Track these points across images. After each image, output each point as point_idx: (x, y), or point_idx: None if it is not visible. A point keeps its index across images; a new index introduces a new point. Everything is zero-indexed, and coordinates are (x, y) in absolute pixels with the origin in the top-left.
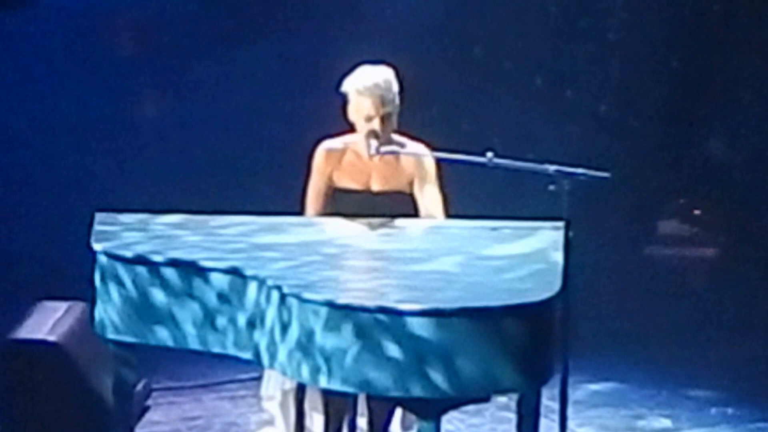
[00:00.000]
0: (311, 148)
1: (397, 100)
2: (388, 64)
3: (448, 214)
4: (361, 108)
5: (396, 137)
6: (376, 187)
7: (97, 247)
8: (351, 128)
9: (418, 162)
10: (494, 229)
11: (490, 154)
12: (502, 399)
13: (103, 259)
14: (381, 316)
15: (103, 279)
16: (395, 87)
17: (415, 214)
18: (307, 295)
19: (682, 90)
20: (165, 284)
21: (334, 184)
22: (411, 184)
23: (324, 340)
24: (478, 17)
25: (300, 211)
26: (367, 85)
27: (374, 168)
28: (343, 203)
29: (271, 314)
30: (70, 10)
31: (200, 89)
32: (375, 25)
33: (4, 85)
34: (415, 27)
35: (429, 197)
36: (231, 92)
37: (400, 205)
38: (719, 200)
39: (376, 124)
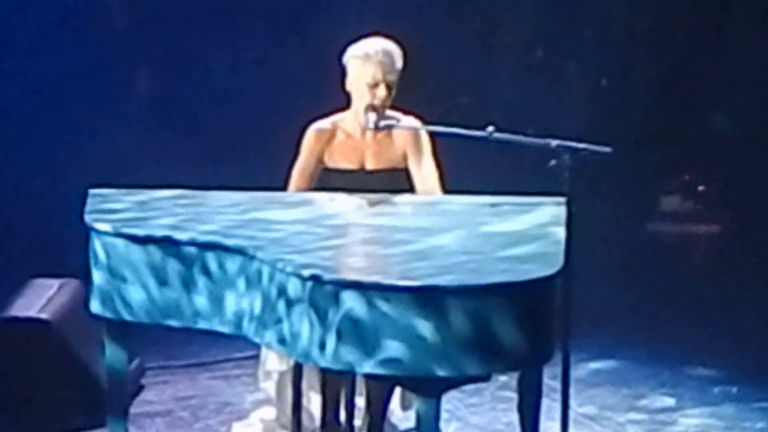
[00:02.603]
0: (300, 130)
1: (399, 77)
2: (395, 40)
3: (445, 189)
4: (364, 74)
5: (390, 112)
6: (370, 165)
7: (91, 223)
8: (339, 108)
9: (412, 135)
10: (495, 204)
11: (490, 129)
12: (502, 378)
13: (96, 235)
14: (379, 294)
15: (96, 256)
16: (401, 61)
17: (410, 189)
18: (304, 273)
19: (686, 63)
20: (160, 261)
21: (325, 165)
22: (405, 158)
23: (322, 317)
24: None
25: (283, 189)
26: (377, 50)
27: (367, 146)
28: (337, 183)
29: (267, 291)
30: None
31: (194, 63)
32: None
33: None
34: None
35: (425, 171)
36: (225, 70)
37: (395, 182)
38: (722, 176)
39: (381, 91)
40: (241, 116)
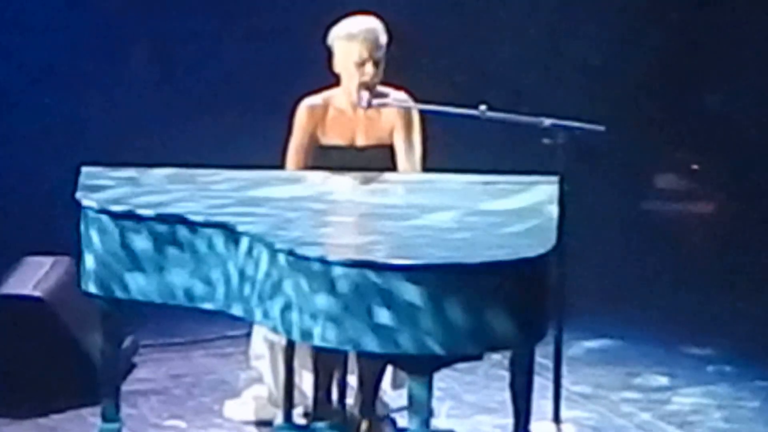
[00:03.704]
0: (292, 106)
1: (384, 51)
2: (376, 15)
3: (425, 168)
4: (351, 54)
5: (379, 87)
6: (360, 141)
7: (83, 201)
8: (333, 84)
9: (401, 111)
10: (489, 183)
11: (483, 107)
12: (495, 356)
13: (89, 213)
14: (372, 273)
15: (88, 233)
16: (385, 36)
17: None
18: (298, 251)
19: (681, 41)
20: (152, 239)
21: (318, 142)
22: (392, 134)
23: (315, 296)
24: None
25: (279, 168)
26: (360, 29)
27: (358, 122)
28: (329, 160)
29: (261, 270)
30: None
31: (187, 41)
32: None
33: None
34: None
35: (410, 148)
36: (222, 44)
37: (386, 159)
38: (718, 154)
39: (369, 68)
40: (238, 93)
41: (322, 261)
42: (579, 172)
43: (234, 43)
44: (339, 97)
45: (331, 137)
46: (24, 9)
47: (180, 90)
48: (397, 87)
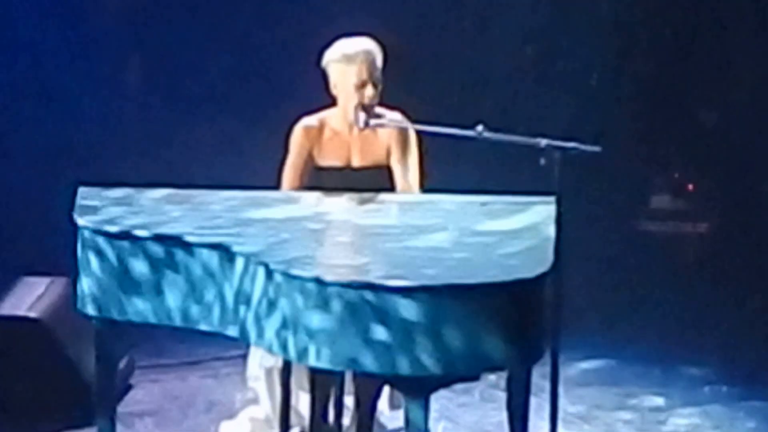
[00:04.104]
0: (288, 127)
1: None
2: (372, 36)
3: (424, 189)
4: (350, 76)
5: (376, 108)
6: (356, 162)
7: (80, 221)
8: (327, 105)
9: (398, 132)
10: (485, 203)
11: (480, 128)
12: (491, 377)
13: (86, 233)
14: (368, 293)
15: (86, 254)
16: (381, 56)
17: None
18: (293, 272)
19: (675, 62)
20: (149, 260)
21: (314, 163)
22: (389, 155)
23: (310, 317)
24: None
25: (275, 188)
26: (357, 50)
27: (353, 143)
28: (325, 181)
29: (257, 291)
30: None
31: (184, 57)
32: None
33: None
34: None
35: (407, 169)
36: (218, 61)
37: (381, 179)
38: (712, 174)
39: (369, 90)
40: (232, 112)
41: (318, 281)
42: (574, 192)
43: (232, 63)
44: (335, 118)
45: (327, 158)
46: (17, 29)
47: (177, 110)
48: (392, 108)
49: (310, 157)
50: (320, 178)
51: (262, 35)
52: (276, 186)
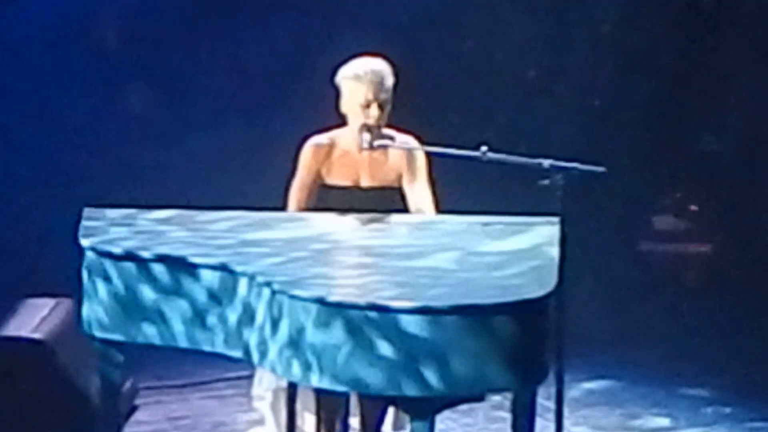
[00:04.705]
0: (298, 145)
1: (391, 94)
2: (385, 58)
3: (439, 210)
4: (357, 95)
5: (385, 130)
6: (365, 182)
7: (84, 243)
8: (338, 124)
9: (408, 155)
10: (488, 224)
11: (483, 149)
12: (496, 398)
13: (90, 255)
14: (372, 314)
15: (90, 276)
16: (392, 79)
17: (404, 209)
18: (297, 292)
19: (676, 83)
20: (153, 281)
21: (323, 181)
22: (399, 178)
23: (315, 337)
24: (471, 9)
25: (282, 207)
26: (366, 70)
27: (363, 163)
28: (332, 200)
29: (261, 311)
30: (54, 2)
31: (187, 82)
32: (365, 16)
33: None
34: (406, 18)
35: (419, 192)
36: (218, 85)
37: (389, 200)
38: (715, 195)
39: (374, 111)
40: (236, 135)
41: (321, 301)
42: (577, 213)
43: (236, 81)
44: (345, 137)
45: (336, 177)
46: (21, 54)
47: (179, 129)
48: (403, 131)
49: (318, 176)
50: (327, 197)
51: (263, 57)
52: (283, 204)
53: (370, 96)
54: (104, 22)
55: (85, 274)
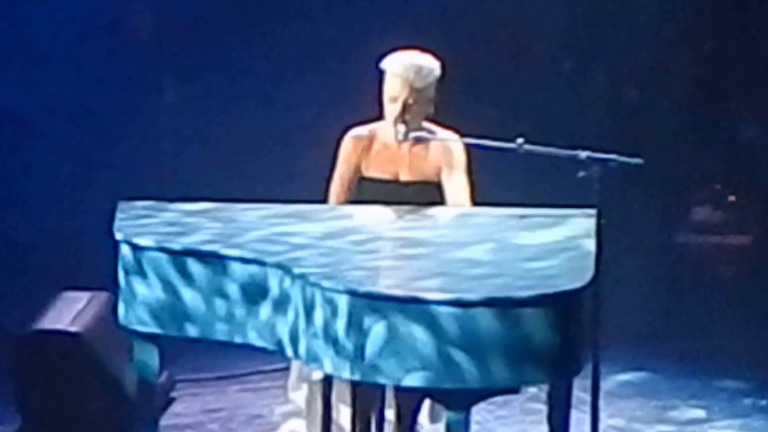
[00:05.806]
0: (338, 137)
1: (431, 93)
2: (438, 57)
3: (475, 203)
4: (388, 87)
5: (426, 124)
6: (404, 177)
7: (119, 236)
8: (377, 117)
9: (446, 149)
10: (524, 217)
11: (520, 140)
12: (531, 390)
13: (125, 248)
14: (408, 306)
15: (126, 269)
16: (431, 78)
17: (442, 204)
18: (332, 284)
19: (714, 73)
20: (188, 274)
21: (361, 174)
22: (439, 173)
23: (350, 330)
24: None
25: (323, 200)
26: (404, 65)
27: (403, 157)
28: (371, 193)
29: (295, 304)
30: None
31: (221, 75)
32: (401, 7)
33: (22, 74)
34: (441, 9)
35: (456, 185)
36: (252, 77)
37: (428, 195)
38: (753, 186)
39: (395, 107)
40: (272, 127)
41: (356, 294)
42: (614, 205)
43: (274, 75)
44: (384, 130)
45: (375, 170)
46: (55, 50)
47: (217, 122)
48: (445, 126)
49: (357, 168)
50: (367, 190)
51: (298, 51)
52: (324, 196)
53: (395, 92)
54: (135, 16)
55: (120, 268)
